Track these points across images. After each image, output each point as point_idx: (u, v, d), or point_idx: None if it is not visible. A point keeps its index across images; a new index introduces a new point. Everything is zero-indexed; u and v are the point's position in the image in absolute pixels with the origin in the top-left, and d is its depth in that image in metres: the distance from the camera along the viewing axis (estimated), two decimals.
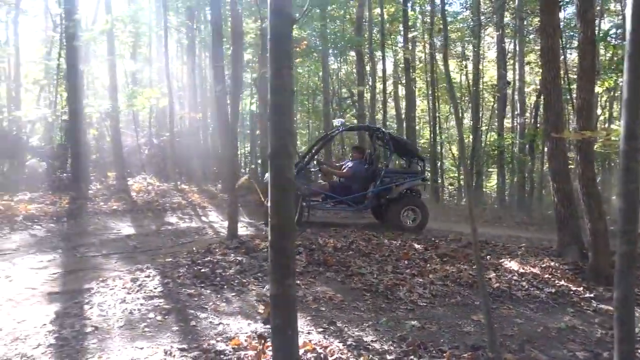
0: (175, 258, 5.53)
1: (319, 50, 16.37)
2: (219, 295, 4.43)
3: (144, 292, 4.35)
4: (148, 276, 4.82)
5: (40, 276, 4.98)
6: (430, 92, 18.11)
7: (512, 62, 17.82)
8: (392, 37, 18.49)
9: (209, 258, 5.45)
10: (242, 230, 7.37)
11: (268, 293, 4.74)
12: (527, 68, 17.60)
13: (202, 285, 4.64)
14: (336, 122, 9.65)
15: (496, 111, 17.50)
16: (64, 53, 12.54)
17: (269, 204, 2.47)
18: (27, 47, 22.48)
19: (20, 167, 13.26)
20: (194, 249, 5.98)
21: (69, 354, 3.18)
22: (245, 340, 3.37)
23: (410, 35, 16.58)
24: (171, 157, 12.33)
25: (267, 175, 9.91)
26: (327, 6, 15.22)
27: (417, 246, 6.75)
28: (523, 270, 5.85)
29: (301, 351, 3.10)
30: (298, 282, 4.84)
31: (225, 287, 4.66)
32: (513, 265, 6.08)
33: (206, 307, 4.13)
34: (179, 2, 16.29)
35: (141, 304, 4.08)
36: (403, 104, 18.18)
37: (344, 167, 9.08)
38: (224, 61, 10.28)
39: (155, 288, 4.46)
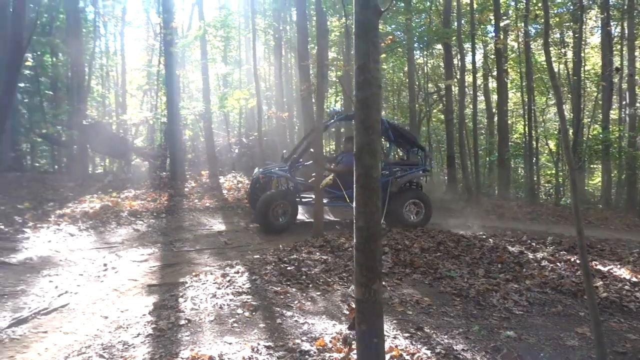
0: (263, 255, 5.65)
1: (404, 45, 15.98)
2: (304, 294, 4.43)
3: (233, 288, 4.48)
4: (237, 272, 4.96)
5: (141, 268, 5.33)
6: (524, 84, 16.95)
7: (619, 46, 16.11)
8: (482, 27, 17.56)
9: (294, 256, 5.50)
10: (327, 229, 7.37)
11: (353, 294, 4.71)
12: (637, 52, 15.82)
13: (288, 283, 4.68)
14: (330, 111, 9.01)
15: (600, 102, 15.92)
16: (163, 60, 13.45)
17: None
18: (132, 56, 24.52)
19: (127, 167, 14.46)
20: (280, 246, 6.07)
21: (164, 345, 3.34)
22: (330, 342, 3.32)
23: (502, 24, 15.62)
24: (260, 156, 12.71)
25: (256, 170, 8.50)
26: None
27: (511, 249, 6.31)
28: (636, 279, 5.22)
29: (387, 356, 2.98)
30: (384, 283, 4.72)
31: (310, 285, 4.66)
32: (624, 273, 5.45)
33: (292, 305, 4.15)
34: (265, 5, 16.77)
35: (230, 300, 4.20)
36: (494, 97, 17.21)
37: (338, 160, 8.46)
38: (309, 60, 10.39)
39: (243, 284, 4.57)
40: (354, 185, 2.40)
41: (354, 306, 4.05)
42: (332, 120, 8.39)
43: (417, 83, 18.13)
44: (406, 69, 17.66)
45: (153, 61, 19.38)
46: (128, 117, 16.03)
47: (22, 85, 15.57)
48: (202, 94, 14.35)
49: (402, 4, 14.57)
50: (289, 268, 5.05)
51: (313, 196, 7.52)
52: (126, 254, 6.01)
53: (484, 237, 7.08)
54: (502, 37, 15.95)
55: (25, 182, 9.91)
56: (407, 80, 17.69)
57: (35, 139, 15.59)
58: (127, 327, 3.69)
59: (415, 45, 16.91)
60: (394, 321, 3.89)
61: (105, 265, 5.40)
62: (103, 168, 19.79)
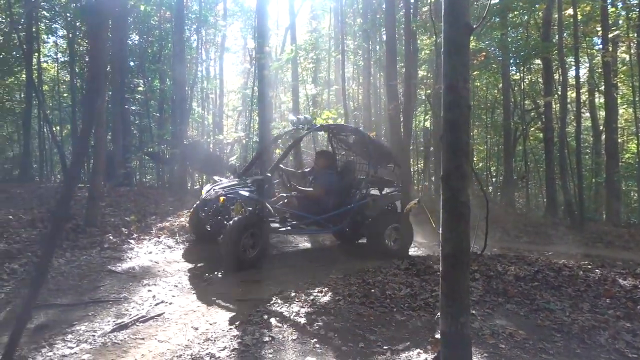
0: (347, 275, 5.61)
1: (499, 61, 15.32)
2: (387, 318, 4.31)
3: (316, 307, 4.48)
4: (321, 291, 4.96)
5: (229, 283, 5.52)
6: (637, 99, 15.41)
7: None
8: (587, 39, 16.33)
9: (379, 278, 5.39)
10: (413, 250, 7.16)
11: (439, 324, 4.50)
12: None
13: (372, 305, 4.58)
14: (299, 118, 7.31)
15: None
16: (257, 82, 14.15)
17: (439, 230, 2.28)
18: (229, 80, 26.07)
19: None
20: (365, 267, 5.99)
21: None
22: None
23: (611, 35, 14.40)
24: None
25: (207, 189, 7.09)
26: (509, 13, 14.17)
27: (622, 282, 5.65)
28: None
29: None
30: (473, 312, 4.45)
31: (394, 309, 4.53)
32: None
33: (375, 329, 4.05)
34: (355, 27, 17.03)
35: (313, 319, 4.20)
36: (601, 113, 15.82)
37: (309, 179, 7.44)
38: (397, 79, 10.33)
39: (327, 304, 4.56)
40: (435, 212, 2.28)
41: (438, 336, 3.87)
42: (305, 132, 7.43)
43: (512, 100, 17.24)
44: (501, 85, 16.87)
45: (248, 84, 20.47)
46: (224, 137, 17.00)
47: (133, 108, 17.23)
48: (292, 113, 14.84)
49: (497, 19, 14.02)
50: (372, 290, 4.95)
51: (282, 220, 6.67)
52: (216, 267, 6.27)
53: (589, 267, 6.44)
54: (610, 49, 14.69)
55: (133, 196, 10.83)
56: (502, 97, 16.88)
57: (143, 157, 17.07)
58: (215, 340, 3.83)
59: (512, 60, 16.14)
60: (484, 354, 3.64)
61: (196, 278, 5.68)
62: (200, 184, 21.09)
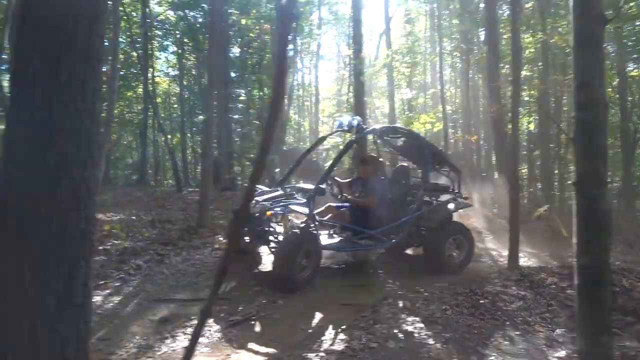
0: (452, 285, 5.40)
1: (613, 56, 13.91)
2: (500, 332, 4.08)
3: (423, 316, 4.37)
4: (426, 300, 4.83)
5: (334, 287, 5.55)
6: None
7: None
8: None
9: (488, 288, 5.13)
10: (523, 261, 6.72)
11: (558, 338, 4.16)
12: None
13: (482, 317, 4.37)
14: (344, 121, 6.45)
15: None
16: (352, 88, 14.25)
17: (574, 240, 2.09)
18: (324, 87, 26.54)
19: None
20: (472, 277, 5.73)
21: None
22: None
23: None
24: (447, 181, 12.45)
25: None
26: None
27: None
28: None
29: None
30: None
31: (507, 323, 4.28)
32: None
33: (487, 342, 3.85)
34: (453, 28, 16.50)
35: (420, 328, 4.10)
36: None
37: (356, 188, 6.52)
38: (499, 80, 9.82)
39: (433, 313, 4.43)
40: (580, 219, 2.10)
41: (561, 355, 3.57)
42: (356, 136, 6.44)
43: (629, 98, 15.54)
44: (615, 82, 15.30)
45: (342, 90, 20.71)
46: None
47: (235, 116, 18.21)
48: (388, 119, 14.72)
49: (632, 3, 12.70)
50: (482, 301, 4.72)
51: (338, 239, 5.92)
52: (325, 270, 6.33)
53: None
54: None
55: (236, 199, 11.41)
56: (618, 95, 15.29)
57: (245, 163, 17.95)
58: (322, 342, 3.88)
59: (630, 55, 14.56)
60: None
61: None
62: None
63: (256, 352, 3.75)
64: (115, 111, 15.38)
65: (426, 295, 4.97)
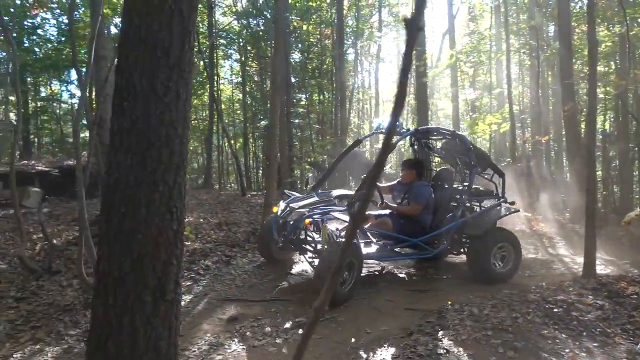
0: (522, 291, 5.20)
1: None
2: (577, 343, 3.88)
3: (492, 323, 4.24)
4: (495, 307, 4.68)
5: (396, 291, 5.53)
6: None
7: None
8: None
9: (561, 297, 4.88)
10: (600, 268, 6.34)
11: None
12: None
13: (556, 327, 4.18)
14: (381, 122, 6.31)
15: None
16: (413, 90, 14.08)
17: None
18: (383, 89, 26.38)
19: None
20: (543, 284, 5.49)
21: None
22: None
23: None
24: (514, 183, 11.98)
25: (282, 206, 5.85)
26: None
27: None
28: None
29: None
30: None
31: (584, 333, 4.06)
32: None
33: (562, 353, 3.68)
34: (521, 24, 15.88)
35: (489, 335, 3.99)
36: None
37: (397, 194, 6.25)
38: (572, 77, 9.32)
39: (503, 321, 4.29)
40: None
41: None
42: (399, 138, 6.14)
43: None
44: None
45: None
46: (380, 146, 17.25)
47: (296, 121, 18.53)
48: (451, 120, 14.40)
49: None
50: (555, 310, 4.51)
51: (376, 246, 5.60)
52: (388, 276, 6.33)
53: None
54: None
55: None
56: None
57: (305, 167, 18.21)
58: (388, 347, 3.88)
59: None
60: None
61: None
62: None
63: (321, 354, 3.81)
64: None
65: (494, 302, 4.82)
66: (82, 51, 12.17)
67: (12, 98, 14.63)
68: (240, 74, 21.57)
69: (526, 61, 16.38)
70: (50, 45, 17.93)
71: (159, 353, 1.55)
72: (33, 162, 14.14)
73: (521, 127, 17.93)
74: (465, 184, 6.12)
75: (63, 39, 17.31)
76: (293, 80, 19.01)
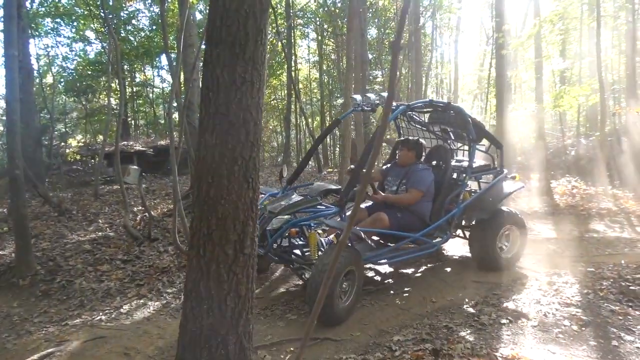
0: (598, 269, 5.09)
1: None
2: None
3: (560, 298, 4.27)
4: (566, 282, 4.67)
5: (465, 264, 5.61)
6: None
7: None
8: None
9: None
10: None
11: None
12: None
13: (630, 304, 4.11)
14: (365, 97, 5.16)
15: None
16: (494, 62, 13.55)
17: None
18: (464, 62, 25.46)
19: None
20: (623, 262, 5.31)
21: (484, 338, 3.54)
22: None
23: None
24: (603, 159, 11.23)
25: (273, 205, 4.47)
26: None
27: None
28: None
29: None
30: None
31: None
32: None
33: (633, 329, 3.65)
34: None
35: (556, 309, 4.03)
36: None
37: (394, 180, 5.20)
38: None
39: (572, 296, 4.29)
40: None
41: None
42: (395, 113, 4.91)
43: None
44: None
45: (484, 65, 19.69)
46: None
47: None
48: (535, 93, 13.72)
49: None
50: (632, 287, 4.41)
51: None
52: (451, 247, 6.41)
53: None
54: None
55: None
56: None
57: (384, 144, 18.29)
58: (452, 315, 4.06)
59: None
60: None
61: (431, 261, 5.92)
62: None
63: (387, 319, 4.07)
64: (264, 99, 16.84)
65: (566, 278, 4.80)
66: (172, 38, 13.13)
67: (112, 85, 16.11)
68: (317, 52, 21.92)
69: (622, 26, 15.02)
70: (143, 34, 19.40)
71: (239, 295, 1.91)
72: (131, 142, 15.61)
73: (614, 99, 16.59)
74: (459, 161, 5.54)
75: (154, 27, 18.66)
76: (369, 56, 18.99)
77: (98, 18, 16.03)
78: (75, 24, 17.66)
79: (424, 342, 3.51)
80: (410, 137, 5.39)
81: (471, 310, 4.13)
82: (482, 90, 18.95)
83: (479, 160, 5.57)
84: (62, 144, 15.50)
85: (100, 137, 17.01)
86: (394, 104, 4.69)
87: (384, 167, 5.56)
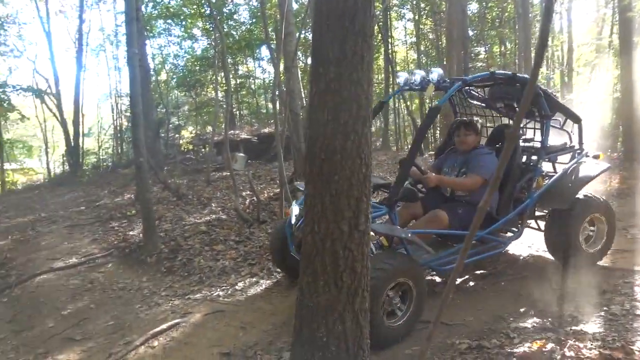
0: None
1: None
2: None
3: None
4: None
5: None
6: None
7: None
8: None
9: None
10: None
11: None
12: None
13: None
14: (413, 75, 4.37)
15: None
16: (616, 29, 12.11)
17: None
18: (578, 32, 23.11)
19: None
20: None
21: (617, 330, 3.20)
22: None
23: None
24: None
25: (295, 207, 4.13)
26: None
27: None
28: None
29: None
30: None
31: None
32: None
33: None
34: None
35: None
36: None
37: (447, 166, 4.49)
38: None
39: None
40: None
41: None
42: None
43: None
44: None
45: (602, 32, 17.73)
46: (574, 97, 15.41)
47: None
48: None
49: None
50: None
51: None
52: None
53: None
54: None
55: None
56: None
57: (486, 125, 17.31)
58: (577, 304, 3.73)
59: None
60: None
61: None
62: None
63: (502, 306, 3.86)
64: None
65: None
66: (270, 29, 13.55)
67: (218, 78, 17.10)
68: (414, 33, 21.27)
69: None
70: (244, 28, 20.27)
71: (355, 271, 1.90)
72: (237, 131, 16.45)
73: None
74: (527, 140, 4.69)
75: (254, 20, 19.40)
76: (470, 33, 18.01)
77: (204, 16, 17.04)
78: (183, 23, 18.95)
79: (546, 330, 3.27)
80: (466, 117, 4.68)
81: (599, 299, 3.76)
82: (601, 60, 17.09)
83: (554, 137, 4.69)
84: (177, 135, 16.84)
85: (209, 127, 18.20)
86: (447, 79, 4.13)
87: (437, 159, 4.81)
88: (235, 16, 19.94)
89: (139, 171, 6.19)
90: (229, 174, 8.58)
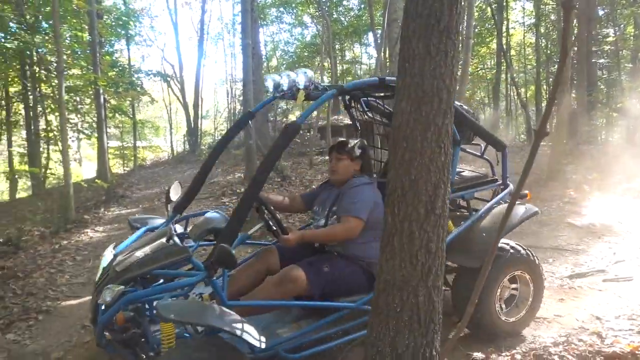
0: None
1: None
2: None
3: None
4: None
5: None
6: None
7: None
8: None
9: None
10: None
11: None
12: None
13: None
14: (282, 78, 2.94)
15: None
16: None
17: None
18: None
19: None
20: None
21: None
22: None
23: None
24: None
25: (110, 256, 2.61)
26: None
27: None
28: None
29: None
30: None
31: None
32: None
33: None
34: None
35: None
36: None
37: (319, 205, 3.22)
38: None
39: None
40: None
41: None
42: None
43: None
44: None
45: None
46: None
47: (601, 61, 16.07)
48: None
49: None
50: None
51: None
52: None
53: None
54: None
55: (596, 154, 10.39)
56: None
57: (611, 114, 15.74)
58: None
59: None
60: None
61: None
62: None
63: (598, 304, 3.71)
64: (470, 69, 16.14)
65: None
66: (378, 14, 13.59)
67: (325, 64, 17.56)
68: (534, 14, 19.83)
69: None
70: (352, 14, 20.50)
71: (429, 251, 2.07)
72: (340, 117, 16.84)
73: None
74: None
75: (362, 6, 19.52)
76: (600, 13, 16.37)
77: (313, 3, 17.55)
78: (294, 11, 19.70)
79: None
80: (342, 140, 3.38)
81: None
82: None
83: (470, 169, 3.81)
84: (284, 119, 17.68)
85: (315, 113, 18.80)
86: (318, 85, 3.02)
87: (308, 193, 3.54)
88: (344, 2, 20.25)
89: (248, 152, 6.78)
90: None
